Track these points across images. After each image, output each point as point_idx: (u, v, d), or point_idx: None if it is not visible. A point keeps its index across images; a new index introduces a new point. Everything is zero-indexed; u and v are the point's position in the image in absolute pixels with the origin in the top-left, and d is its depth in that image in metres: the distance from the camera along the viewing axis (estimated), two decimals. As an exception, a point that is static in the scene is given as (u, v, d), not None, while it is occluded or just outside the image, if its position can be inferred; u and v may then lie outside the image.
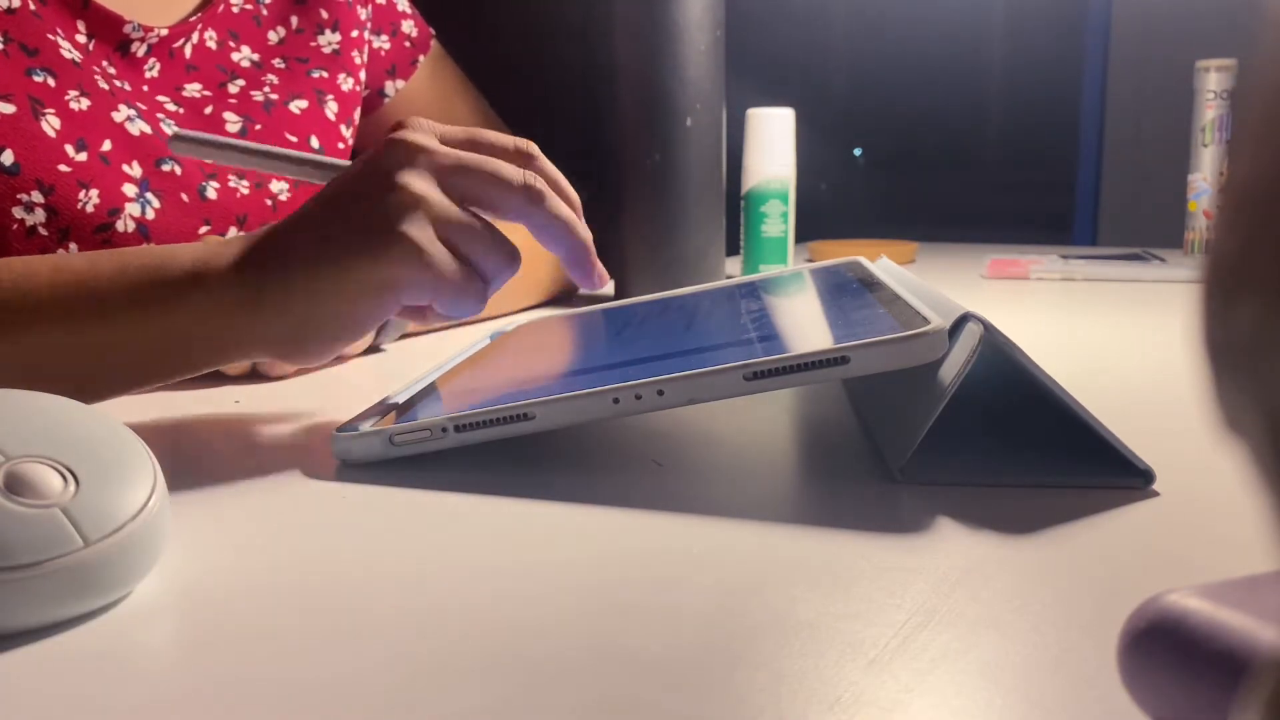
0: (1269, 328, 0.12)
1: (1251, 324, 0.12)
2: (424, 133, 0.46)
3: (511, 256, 0.47)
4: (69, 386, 0.45)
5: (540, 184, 0.47)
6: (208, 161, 0.53)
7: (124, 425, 0.33)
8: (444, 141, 0.47)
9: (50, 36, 0.64)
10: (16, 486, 0.28)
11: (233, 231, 0.70)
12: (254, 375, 0.59)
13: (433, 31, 0.91)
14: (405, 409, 0.45)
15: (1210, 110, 1.10)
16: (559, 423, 0.41)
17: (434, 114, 0.90)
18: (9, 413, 0.30)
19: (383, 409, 0.46)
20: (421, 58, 0.89)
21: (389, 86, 0.88)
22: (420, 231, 0.44)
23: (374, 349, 0.68)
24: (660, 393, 0.40)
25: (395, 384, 0.54)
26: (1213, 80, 1.09)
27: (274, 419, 0.51)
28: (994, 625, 0.27)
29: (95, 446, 0.30)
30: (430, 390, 0.49)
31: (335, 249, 0.44)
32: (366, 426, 0.43)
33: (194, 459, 0.44)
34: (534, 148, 0.48)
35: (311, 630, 0.28)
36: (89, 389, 0.47)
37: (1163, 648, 0.20)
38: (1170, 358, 0.63)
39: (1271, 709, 0.12)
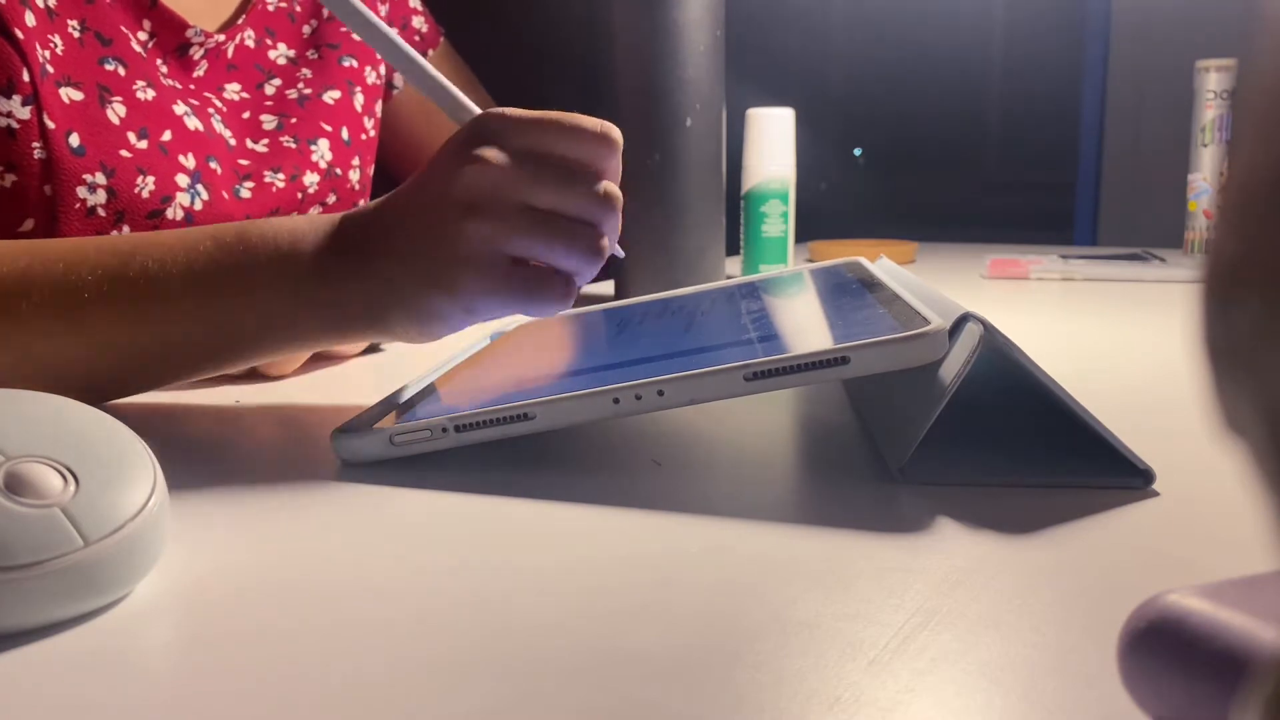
0: (1269, 328, 0.12)
1: (1251, 324, 0.12)
2: (496, 145, 0.46)
3: (591, 251, 0.46)
4: (183, 367, 0.50)
5: (607, 225, 0.47)
6: (339, 16, 0.53)
7: (124, 425, 0.33)
8: (522, 122, 0.46)
9: (123, 29, 0.66)
10: (16, 486, 0.28)
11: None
12: (254, 375, 0.59)
13: (442, 30, 0.92)
14: (405, 409, 0.45)
15: (1210, 110, 1.10)
16: (559, 423, 0.41)
17: (437, 109, 0.91)
18: (9, 413, 0.30)
19: (383, 409, 0.46)
20: (430, 52, 0.90)
21: (397, 78, 0.88)
22: (486, 260, 0.44)
23: (374, 349, 0.68)
24: (660, 393, 0.40)
25: (395, 384, 0.54)
26: (1213, 80, 1.09)
27: (274, 419, 0.51)
28: (994, 625, 0.27)
29: (95, 446, 0.30)
30: (430, 390, 0.49)
31: (412, 280, 0.46)
32: (366, 426, 0.43)
33: (194, 459, 0.44)
34: (618, 135, 0.47)
35: (311, 630, 0.28)
36: (196, 369, 0.50)
37: (1163, 648, 0.20)
38: (1170, 358, 0.63)
39: (1271, 709, 0.12)
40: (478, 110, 0.50)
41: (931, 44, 2.15)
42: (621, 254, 0.53)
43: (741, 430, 0.48)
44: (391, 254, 0.47)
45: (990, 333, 0.38)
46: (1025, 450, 0.41)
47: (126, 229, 0.64)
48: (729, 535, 0.34)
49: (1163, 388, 0.56)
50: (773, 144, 0.93)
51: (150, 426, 0.49)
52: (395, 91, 0.89)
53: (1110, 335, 0.71)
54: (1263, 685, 0.13)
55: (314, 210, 0.77)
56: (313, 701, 0.24)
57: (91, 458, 0.30)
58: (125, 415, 0.38)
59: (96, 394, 0.50)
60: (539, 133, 0.46)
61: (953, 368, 0.37)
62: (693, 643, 0.27)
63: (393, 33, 0.52)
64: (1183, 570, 0.31)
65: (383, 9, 0.85)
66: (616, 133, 0.47)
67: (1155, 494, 0.37)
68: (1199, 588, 0.21)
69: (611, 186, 0.47)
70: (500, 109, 0.47)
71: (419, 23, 0.90)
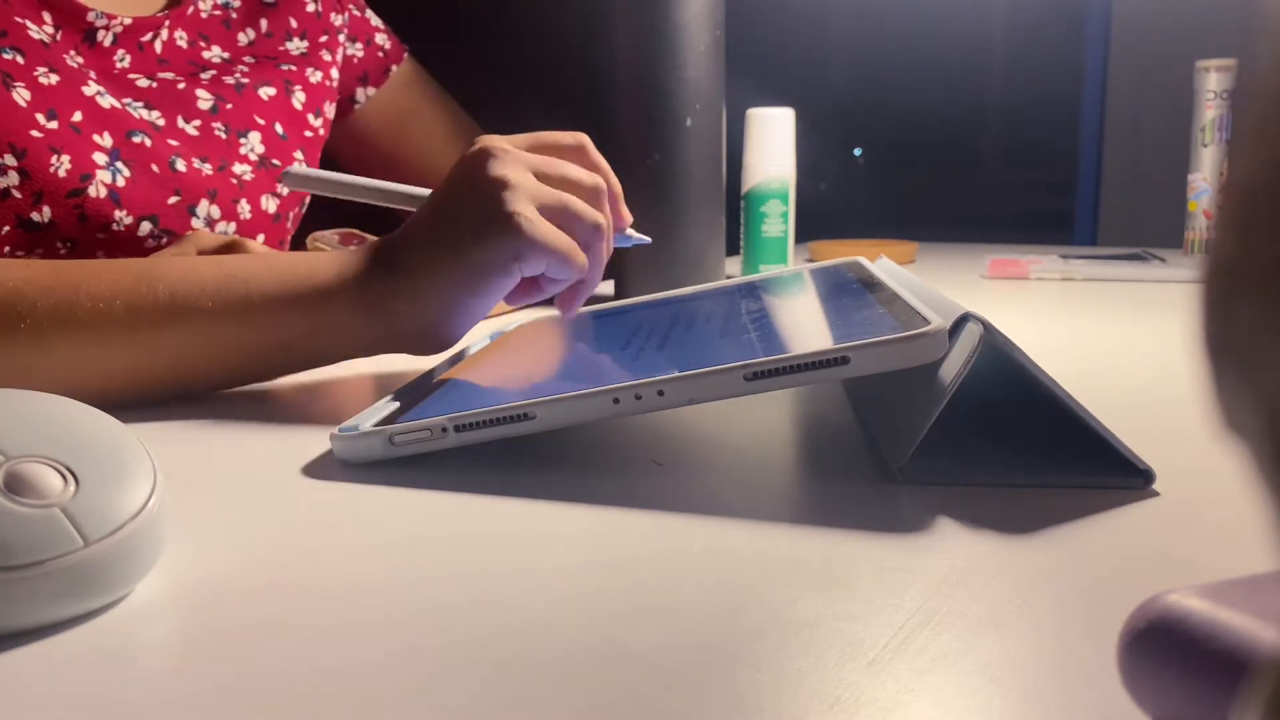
0: (1269, 327, 0.12)
1: (1251, 323, 0.12)
2: (499, 140, 0.54)
3: (598, 225, 0.53)
4: (220, 376, 0.54)
5: (601, 190, 0.55)
6: (316, 192, 0.62)
7: (123, 426, 0.33)
8: (511, 139, 0.54)
9: (18, 20, 0.67)
10: (16, 486, 0.28)
11: (204, 204, 0.72)
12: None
13: (406, 47, 0.92)
14: (405, 409, 0.45)
15: (1210, 110, 1.10)
16: (559, 423, 0.41)
17: (405, 122, 0.92)
18: (9, 413, 0.30)
19: (382, 409, 0.46)
20: (394, 68, 0.90)
21: (359, 93, 0.89)
22: (529, 209, 0.50)
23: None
24: (660, 393, 0.39)
25: (395, 384, 0.54)
26: (1213, 80, 1.09)
27: (274, 419, 0.51)
28: (994, 625, 0.27)
29: (95, 446, 0.30)
30: (430, 390, 0.49)
31: (456, 241, 0.51)
32: (366, 426, 0.43)
33: (194, 459, 0.44)
34: (587, 140, 0.57)
35: (311, 630, 0.28)
36: (233, 380, 0.54)
37: (1163, 648, 0.20)
38: (1170, 358, 0.63)
39: (1271, 709, 0.12)
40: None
41: (931, 44, 2.15)
42: (646, 240, 0.61)
43: (741, 430, 0.48)
44: (429, 246, 0.52)
45: (990, 333, 0.38)
46: (1025, 450, 0.41)
47: (47, 210, 0.65)
48: (729, 535, 0.34)
49: (1163, 388, 0.56)
50: (773, 144, 0.93)
51: (149, 426, 0.49)
52: (357, 106, 0.89)
53: (1110, 335, 0.71)
54: (1263, 685, 0.13)
55: (266, 199, 0.77)
56: (313, 701, 0.24)
57: (91, 458, 0.30)
58: (125, 415, 0.38)
59: (136, 397, 0.52)
60: (526, 141, 0.55)
61: (953, 368, 0.37)
62: (693, 643, 0.27)
63: (384, 184, 0.60)
64: (1183, 570, 0.31)
65: (338, 19, 0.85)
66: (586, 138, 0.57)
67: (1155, 494, 0.37)
68: (1199, 588, 0.21)
69: (602, 168, 0.56)
70: (488, 136, 0.54)
71: (382, 39, 0.90)
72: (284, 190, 0.78)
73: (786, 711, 0.23)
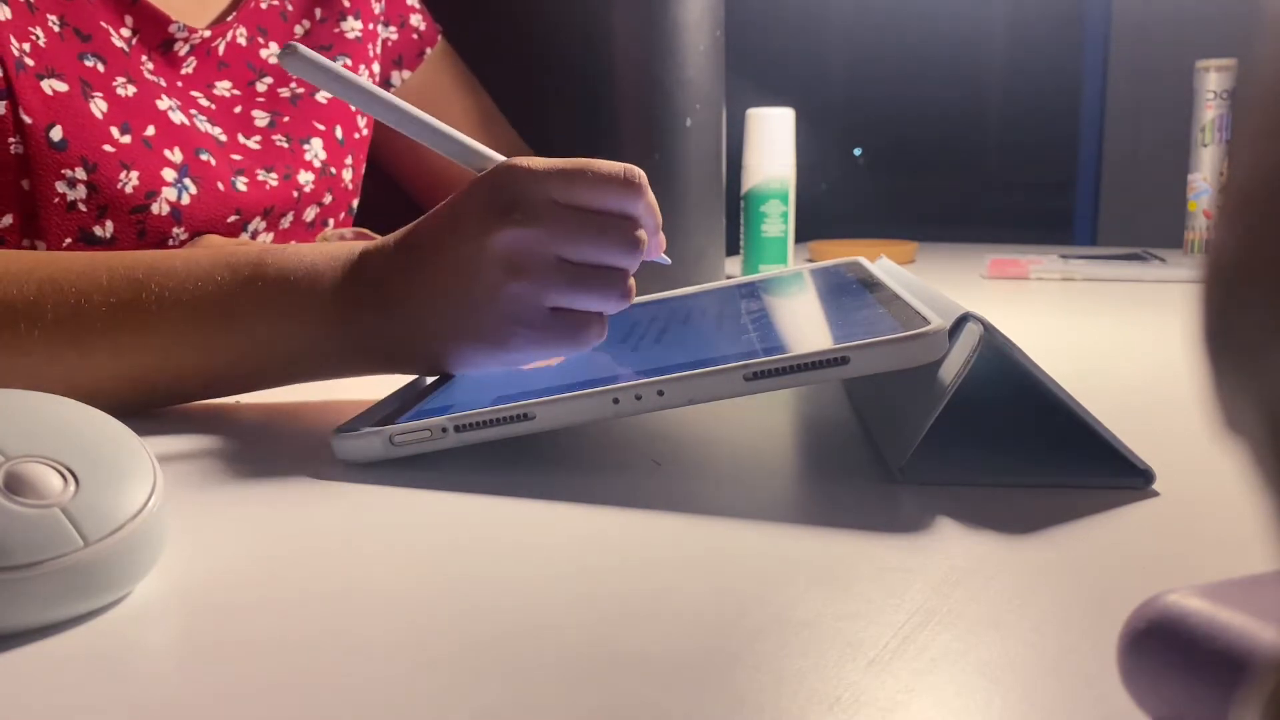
0: (1269, 327, 0.12)
1: (1252, 323, 0.12)
2: (527, 171, 0.46)
3: (622, 295, 0.47)
4: (196, 386, 0.50)
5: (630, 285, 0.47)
6: (314, 84, 0.53)
7: (124, 425, 0.33)
8: (549, 176, 0.46)
9: (103, 24, 0.66)
10: (16, 486, 0.28)
11: (256, 221, 0.71)
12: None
13: (440, 28, 0.92)
14: (405, 409, 0.45)
15: (1210, 110, 1.10)
16: (559, 423, 0.41)
17: (436, 108, 0.91)
18: (9, 413, 0.30)
19: (382, 409, 0.46)
20: (428, 50, 0.90)
21: (395, 77, 0.88)
22: (529, 315, 0.45)
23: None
24: (660, 393, 0.40)
25: (395, 384, 0.54)
26: (1213, 80, 1.09)
27: (274, 419, 0.51)
28: (994, 625, 0.27)
29: (95, 446, 0.30)
30: (430, 390, 0.49)
31: (447, 321, 0.47)
32: (366, 426, 0.43)
33: (194, 459, 0.44)
34: (643, 178, 0.47)
35: (311, 631, 0.28)
36: (210, 390, 0.51)
37: (1163, 648, 0.20)
38: (1170, 358, 0.63)
39: (1271, 709, 0.12)
40: (492, 155, 0.48)
41: (931, 44, 2.15)
42: (667, 260, 0.52)
43: (741, 430, 0.48)
44: (419, 297, 0.47)
45: (990, 333, 0.38)
46: (1025, 450, 0.41)
47: (110, 224, 0.64)
48: (729, 536, 0.34)
49: (1163, 388, 0.56)
50: (773, 144, 0.93)
51: (150, 426, 0.49)
52: (392, 89, 0.89)
53: (1110, 335, 0.71)
54: (1263, 685, 0.13)
55: (310, 210, 0.77)
56: (312, 702, 0.24)
57: (91, 458, 0.30)
58: (125, 416, 0.38)
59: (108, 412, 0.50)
60: (565, 185, 0.45)
61: (953, 368, 0.37)
62: (693, 643, 0.27)
63: (388, 96, 0.51)
64: (1183, 570, 0.31)
65: (378, 6, 0.85)
66: (640, 175, 0.47)
67: (1155, 494, 0.37)
68: (1199, 588, 0.21)
69: (641, 233, 0.47)
70: (524, 162, 0.46)
71: (417, 20, 0.90)
72: (328, 198, 0.78)
73: (786, 711, 0.23)
